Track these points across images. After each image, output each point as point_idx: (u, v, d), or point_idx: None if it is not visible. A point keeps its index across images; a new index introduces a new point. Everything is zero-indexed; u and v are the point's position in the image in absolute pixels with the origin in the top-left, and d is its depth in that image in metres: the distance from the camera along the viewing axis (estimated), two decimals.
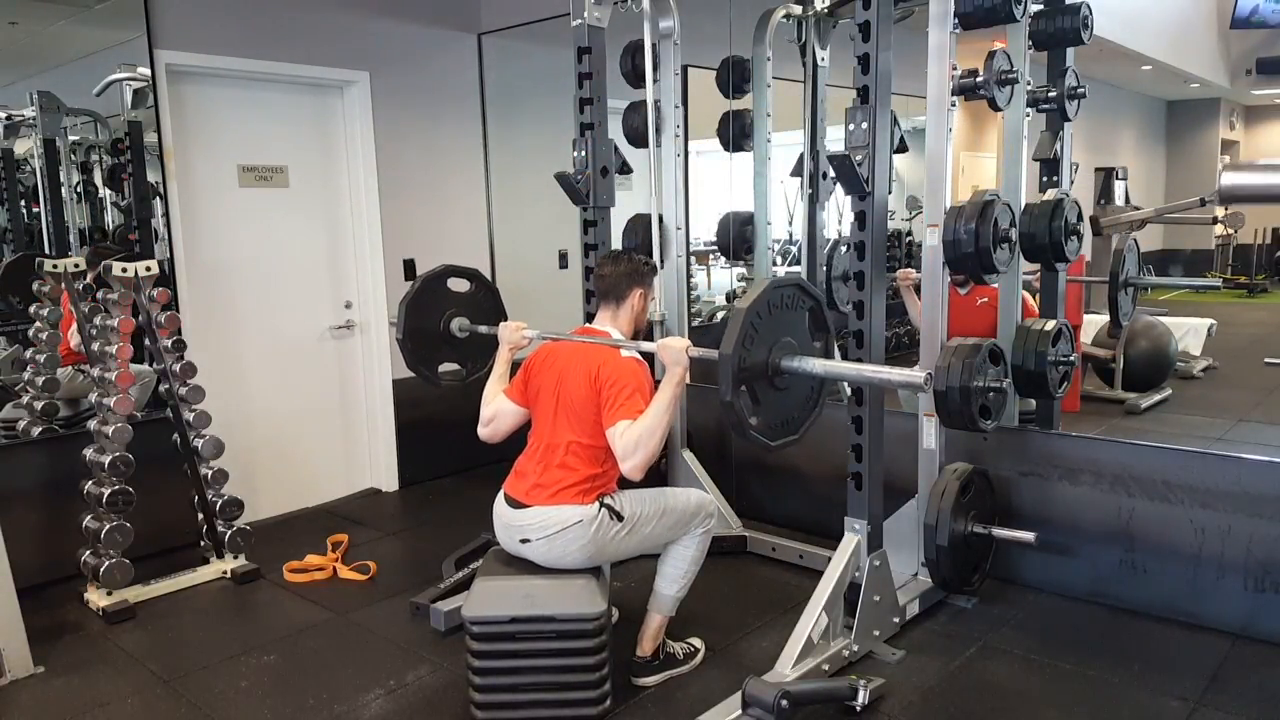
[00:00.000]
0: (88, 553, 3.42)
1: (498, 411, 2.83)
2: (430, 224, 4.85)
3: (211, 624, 3.37)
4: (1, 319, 3.77)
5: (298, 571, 3.72)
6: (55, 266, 3.68)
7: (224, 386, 4.04)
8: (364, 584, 3.67)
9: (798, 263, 4.81)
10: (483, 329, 3.27)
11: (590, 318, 3.02)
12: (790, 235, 5.17)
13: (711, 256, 5.52)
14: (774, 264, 4.66)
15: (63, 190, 3.86)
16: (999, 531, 3.22)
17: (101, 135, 3.93)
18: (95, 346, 3.52)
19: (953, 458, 3.30)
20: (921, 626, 3.13)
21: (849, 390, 3.10)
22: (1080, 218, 3.30)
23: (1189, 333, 6.32)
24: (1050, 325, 3.24)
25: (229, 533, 3.73)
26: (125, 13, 3.74)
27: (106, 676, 2.97)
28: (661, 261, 3.78)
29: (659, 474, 3.78)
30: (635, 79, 3.86)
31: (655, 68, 3.70)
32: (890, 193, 2.89)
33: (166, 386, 3.63)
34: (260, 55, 4.13)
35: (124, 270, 3.42)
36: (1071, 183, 3.62)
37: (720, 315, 5.55)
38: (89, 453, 3.46)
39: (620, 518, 2.60)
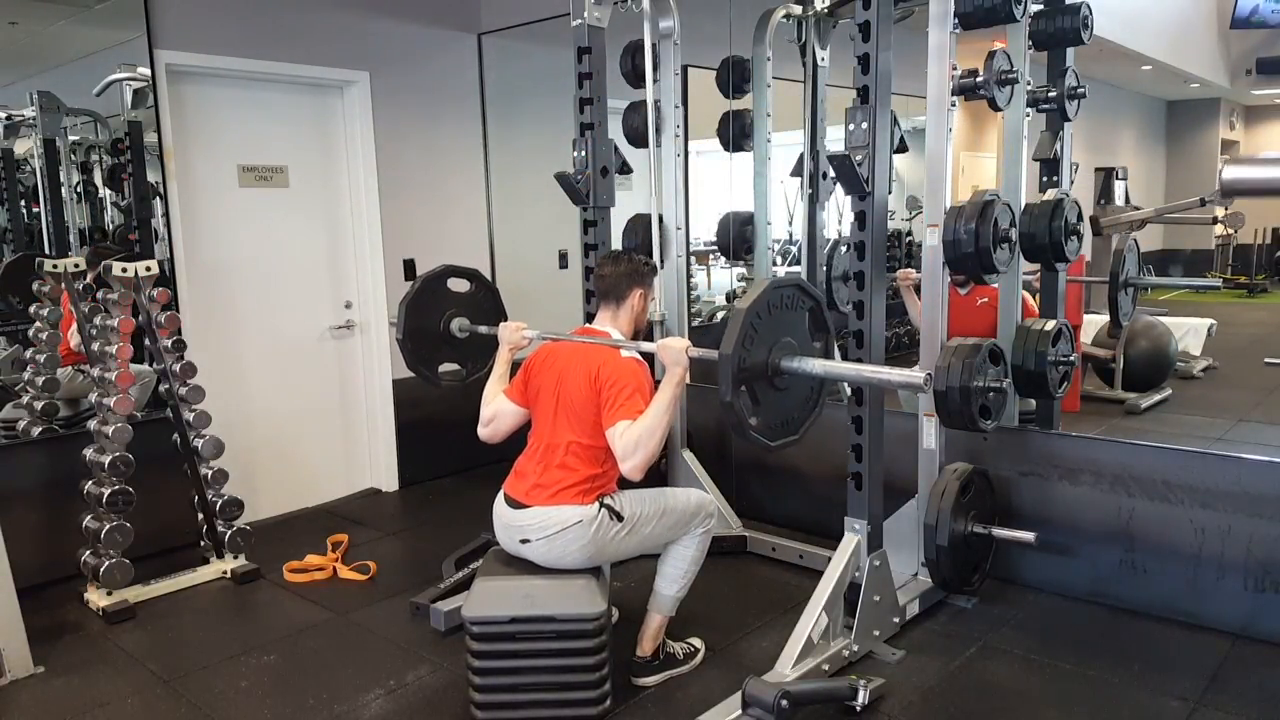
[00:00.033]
0: (88, 553, 3.42)
1: (498, 412, 2.83)
2: (430, 224, 4.85)
3: (211, 624, 3.37)
4: (1, 319, 3.77)
5: (298, 571, 3.73)
6: (55, 266, 3.68)
7: (224, 386, 4.04)
8: (364, 584, 3.67)
9: (798, 263, 4.81)
10: (483, 329, 3.27)
11: (590, 318, 3.02)
12: (790, 235, 5.17)
13: (711, 256, 5.52)
14: (774, 264, 4.66)
15: (63, 190, 3.86)
16: (999, 531, 3.22)
17: (101, 135, 3.93)
18: (95, 346, 3.52)
19: (953, 458, 3.30)
20: (921, 626, 3.13)
21: (849, 390, 3.11)
22: (1080, 218, 3.30)
23: (1189, 333, 6.32)
24: (1050, 325, 3.24)
25: (229, 533, 3.73)
26: (125, 13, 3.74)
27: (106, 676, 2.97)
28: (661, 261, 3.78)
29: (659, 474, 3.78)
30: (635, 79, 3.86)
31: (655, 68, 3.70)
32: (890, 193, 2.89)
33: (166, 386, 3.63)
34: (260, 55, 4.13)
35: (124, 270, 3.42)
36: (1071, 183, 3.62)
37: (720, 315, 5.55)
38: (89, 453, 3.47)
39: (620, 518, 2.60)
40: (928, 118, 3.06)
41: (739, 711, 2.46)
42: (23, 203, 3.80)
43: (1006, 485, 3.40)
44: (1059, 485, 3.31)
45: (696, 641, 2.97)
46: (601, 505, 2.59)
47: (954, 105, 3.03)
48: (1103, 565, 3.25)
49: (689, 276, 4.32)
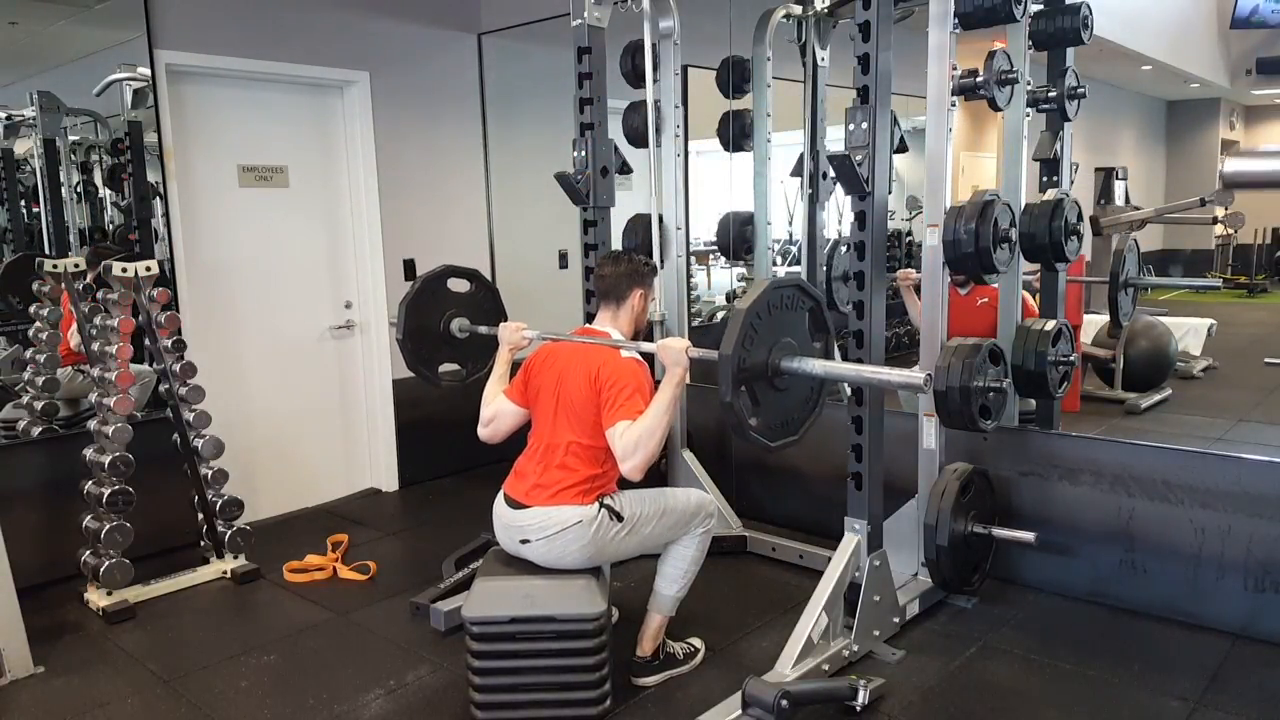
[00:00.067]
0: (88, 553, 3.42)
1: (498, 412, 2.83)
2: (430, 224, 4.85)
3: (211, 624, 3.37)
4: (1, 319, 3.77)
5: (298, 571, 3.73)
6: (55, 266, 3.68)
7: (224, 386, 4.04)
8: (364, 584, 3.67)
9: (798, 263, 4.81)
10: (483, 329, 3.27)
11: (590, 318, 3.02)
12: (790, 235, 5.17)
13: (711, 256, 5.52)
14: (774, 264, 4.66)
15: (63, 190, 3.86)
16: (999, 531, 3.22)
17: (101, 135, 3.93)
18: (95, 346, 3.52)
19: (953, 458, 3.30)
20: (921, 626, 3.13)
21: (849, 390, 3.10)
22: (1080, 218, 3.30)
23: (1189, 333, 6.32)
24: (1050, 325, 3.24)
25: (229, 533, 3.73)
26: (125, 13, 3.74)
27: (106, 676, 2.97)
28: (661, 261, 3.78)
29: (659, 474, 3.78)
30: (635, 79, 3.86)
31: (655, 68, 3.70)
32: (890, 193, 2.89)
33: (166, 386, 3.63)
34: (260, 55, 4.13)
35: (124, 270, 3.42)
36: (1071, 183, 3.62)
37: (720, 315, 5.55)
38: (89, 453, 3.46)
39: (620, 518, 2.60)
40: (928, 118, 3.06)
41: (739, 711, 2.46)
42: (23, 203, 3.80)
43: (1006, 485, 3.40)
44: (1059, 485, 3.31)
45: (696, 641, 2.97)
46: (601, 505, 2.59)
47: (954, 105, 3.03)
48: (1103, 565, 3.25)
49: (689, 276, 4.32)
